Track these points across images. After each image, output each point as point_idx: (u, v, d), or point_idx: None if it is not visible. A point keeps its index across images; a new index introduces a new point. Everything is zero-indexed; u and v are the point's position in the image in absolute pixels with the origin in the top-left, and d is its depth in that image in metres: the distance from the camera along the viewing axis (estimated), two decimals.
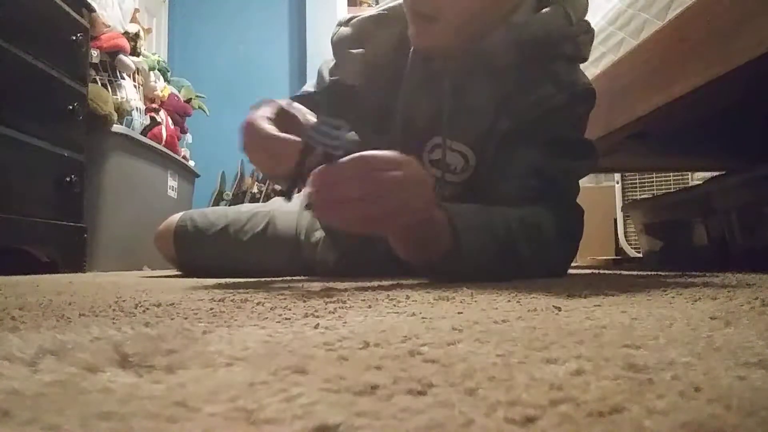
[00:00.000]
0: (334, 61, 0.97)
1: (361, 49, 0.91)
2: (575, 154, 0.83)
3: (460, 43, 0.82)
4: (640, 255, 2.23)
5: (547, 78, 0.81)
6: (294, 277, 0.98)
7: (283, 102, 0.74)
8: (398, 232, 0.64)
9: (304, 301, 0.45)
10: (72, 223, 1.53)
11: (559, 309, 0.37)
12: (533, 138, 0.80)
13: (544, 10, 0.81)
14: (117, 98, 1.94)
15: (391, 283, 0.71)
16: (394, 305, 0.42)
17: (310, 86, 1.01)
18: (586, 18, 0.87)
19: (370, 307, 0.41)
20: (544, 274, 0.75)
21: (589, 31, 0.86)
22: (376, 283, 0.70)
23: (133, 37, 2.07)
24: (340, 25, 0.96)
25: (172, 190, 2.31)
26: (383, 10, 0.92)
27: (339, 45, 0.95)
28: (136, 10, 2.28)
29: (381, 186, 0.56)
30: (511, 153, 0.81)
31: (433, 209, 0.63)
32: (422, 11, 0.78)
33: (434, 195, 0.63)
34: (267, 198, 3.04)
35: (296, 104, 0.75)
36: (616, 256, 2.63)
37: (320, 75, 0.99)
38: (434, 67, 0.87)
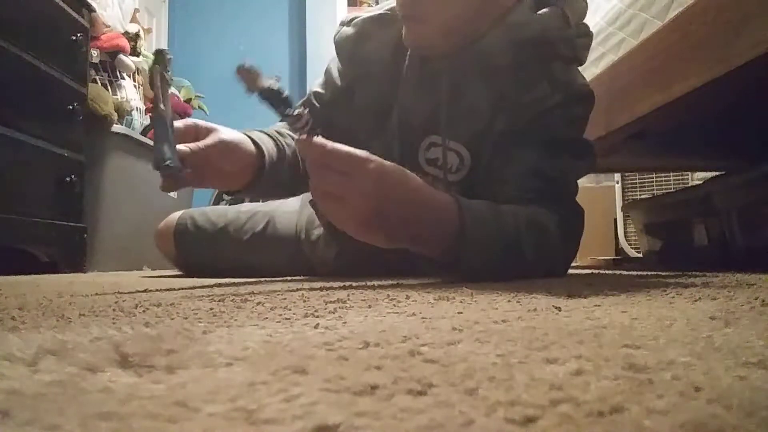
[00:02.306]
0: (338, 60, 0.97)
1: (362, 49, 0.92)
2: (573, 154, 0.83)
3: (454, 44, 0.82)
4: (640, 255, 2.23)
5: (543, 78, 0.81)
6: (294, 277, 0.98)
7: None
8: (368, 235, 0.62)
9: (304, 301, 0.45)
10: (72, 223, 1.53)
11: (559, 309, 0.37)
12: (530, 138, 0.80)
13: (542, 10, 0.82)
14: (117, 98, 1.94)
15: (391, 283, 0.71)
16: (394, 305, 0.42)
17: (317, 86, 1.00)
18: (585, 21, 0.87)
19: (370, 307, 0.41)
20: (545, 273, 0.75)
21: (587, 35, 0.86)
22: (376, 283, 0.70)
23: (133, 37, 2.07)
24: (342, 24, 0.97)
25: None
26: (386, 10, 0.93)
27: (341, 44, 0.95)
28: (136, 10, 2.28)
29: (327, 185, 0.57)
30: (509, 154, 0.81)
31: (366, 227, 0.60)
32: (406, 13, 0.80)
33: (371, 212, 0.59)
34: None
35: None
36: (616, 256, 2.63)
37: (328, 73, 0.99)
38: (431, 66, 0.87)
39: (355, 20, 0.95)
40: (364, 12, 0.97)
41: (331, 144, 0.58)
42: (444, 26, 0.80)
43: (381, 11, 0.94)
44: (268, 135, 0.88)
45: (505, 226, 0.68)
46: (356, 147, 0.96)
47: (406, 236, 0.63)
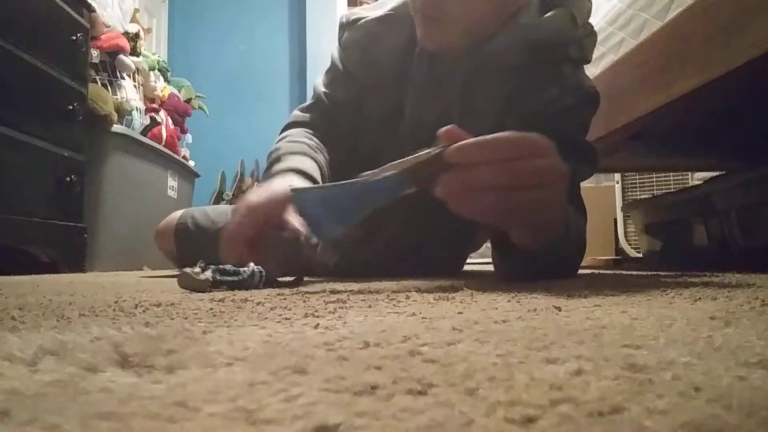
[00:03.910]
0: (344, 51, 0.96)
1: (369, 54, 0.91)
2: (580, 157, 0.83)
3: (468, 43, 0.82)
4: (640, 255, 2.23)
5: (553, 80, 0.81)
6: (294, 278, 0.98)
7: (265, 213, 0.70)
8: (524, 226, 0.57)
9: (304, 301, 0.45)
10: (72, 223, 1.53)
11: (559, 309, 0.37)
12: None
13: (550, 12, 0.82)
14: (117, 98, 1.94)
15: (391, 283, 0.71)
16: (394, 305, 0.42)
17: (322, 85, 0.99)
18: (589, 20, 0.87)
19: (370, 307, 0.41)
20: (566, 274, 0.75)
21: (592, 34, 0.86)
22: (376, 283, 0.70)
23: (133, 37, 2.08)
24: (343, 27, 0.96)
25: (172, 190, 2.32)
26: (389, 10, 0.91)
27: (350, 50, 0.94)
28: (136, 10, 2.28)
29: (523, 178, 0.50)
30: None
31: (563, 205, 0.57)
32: (430, 14, 0.78)
33: (565, 188, 0.55)
34: None
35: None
36: (616, 256, 2.63)
37: (336, 72, 0.98)
38: (441, 68, 0.87)
39: (360, 22, 0.93)
40: (364, 10, 0.96)
41: (487, 137, 0.51)
42: (462, 25, 0.79)
43: (385, 11, 0.92)
44: (311, 159, 0.84)
45: (575, 223, 0.68)
46: (364, 150, 0.96)
47: (531, 220, 0.57)
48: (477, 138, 0.50)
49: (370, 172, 0.53)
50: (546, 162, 0.51)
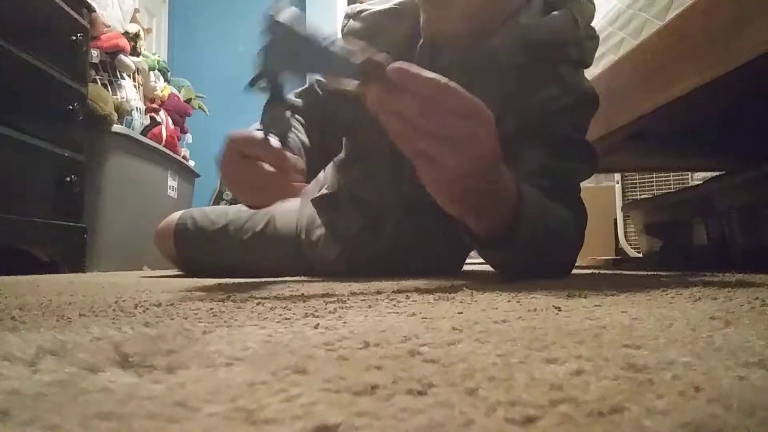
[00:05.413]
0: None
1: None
2: (579, 156, 0.83)
3: (470, 35, 0.82)
4: (640, 255, 2.23)
5: (552, 80, 0.81)
6: (294, 277, 0.98)
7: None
8: (454, 180, 0.53)
9: (304, 301, 0.45)
10: (72, 223, 1.53)
11: (559, 309, 0.37)
12: (538, 139, 0.80)
13: (552, 13, 0.82)
14: (117, 98, 1.94)
15: (391, 283, 0.71)
16: (394, 305, 0.42)
17: None
18: (592, 24, 0.87)
19: (370, 307, 0.41)
20: (558, 273, 0.75)
21: (594, 38, 0.86)
22: (376, 283, 0.70)
23: (133, 37, 2.07)
24: (347, 17, 0.96)
25: (172, 190, 2.31)
26: (395, 4, 0.92)
27: (350, 38, 0.94)
28: (136, 10, 2.28)
29: (446, 128, 0.49)
30: (517, 154, 0.81)
31: (496, 156, 0.54)
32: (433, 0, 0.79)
33: (497, 146, 0.53)
34: None
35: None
36: (616, 256, 2.63)
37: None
38: (441, 64, 0.87)
39: (364, 13, 0.94)
40: (371, 4, 0.96)
41: (446, 79, 0.49)
42: (467, 11, 0.79)
43: (390, 4, 0.92)
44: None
45: (551, 215, 0.67)
46: (360, 143, 0.96)
47: (470, 203, 0.56)
48: (430, 74, 0.48)
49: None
50: (475, 128, 0.50)
